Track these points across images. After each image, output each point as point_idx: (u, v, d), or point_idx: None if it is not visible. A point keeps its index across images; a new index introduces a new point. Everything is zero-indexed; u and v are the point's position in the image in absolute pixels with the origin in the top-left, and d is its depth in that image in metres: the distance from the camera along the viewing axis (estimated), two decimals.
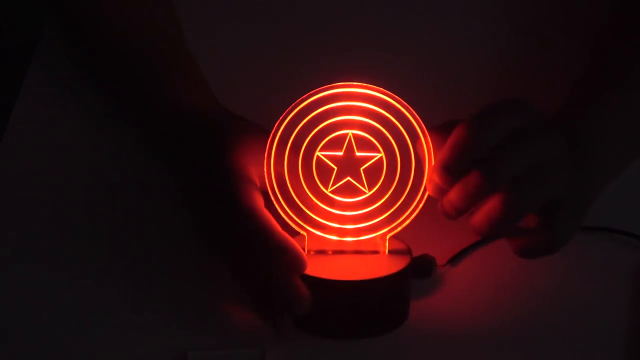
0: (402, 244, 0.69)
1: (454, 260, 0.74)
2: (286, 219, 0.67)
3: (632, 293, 0.72)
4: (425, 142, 0.66)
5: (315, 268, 0.66)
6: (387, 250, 0.68)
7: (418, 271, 0.70)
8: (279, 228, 0.66)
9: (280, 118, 0.67)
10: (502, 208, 0.63)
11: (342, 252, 0.68)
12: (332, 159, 0.68)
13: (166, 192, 0.77)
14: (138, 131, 0.80)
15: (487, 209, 0.64)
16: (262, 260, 0.65)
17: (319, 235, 0.68)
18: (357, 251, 0.68)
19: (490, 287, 0.73)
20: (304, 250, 0.67)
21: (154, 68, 0.78)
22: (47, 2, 0.86)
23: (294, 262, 0.65)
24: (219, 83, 0.79)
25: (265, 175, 0.67)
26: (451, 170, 0.64)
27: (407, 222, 0.67)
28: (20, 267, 0.74)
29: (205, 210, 0.70)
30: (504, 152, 0.63)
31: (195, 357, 0.68)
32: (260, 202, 0.67)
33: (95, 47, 0.81)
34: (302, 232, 0.68)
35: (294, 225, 0.68)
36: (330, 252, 0.68)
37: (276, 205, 0.67)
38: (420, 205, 0.67)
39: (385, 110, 0.67)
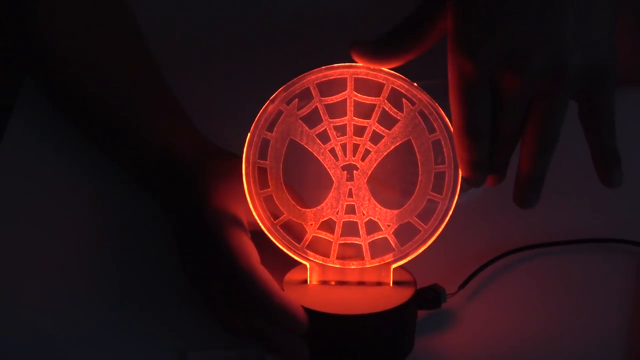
0: (407, 274, 0.67)
1: (464, 286, 0.71)
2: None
3: None
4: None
5: (317, 301, 0.65)
6: (391, 282, 0.66)
7: (427, 302, 0.67)
8: (275, 285, 0.64)
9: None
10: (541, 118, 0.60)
11: (345, 283, 0.67)
12: None
13: None
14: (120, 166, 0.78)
15: (527, 141, 0.62)
16: (260, 319, 0.64)
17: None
18: (361, 282, 0.67)
19: (503, 315, 0.70)
20: (306, 282, 0.67)
21: (132, 113, 0.75)
22: (24, 68, 0.84)
23: (294, 324, 0.63)
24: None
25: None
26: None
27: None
28: (20, 266, 0.74)
29: (194, 260, 0.67)
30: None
31: (195, 357, 0.68)
32: (253, 253, 0.65)
33: (71, 102, 0.79)
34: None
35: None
36: (333, 283, 0.67)
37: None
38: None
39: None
